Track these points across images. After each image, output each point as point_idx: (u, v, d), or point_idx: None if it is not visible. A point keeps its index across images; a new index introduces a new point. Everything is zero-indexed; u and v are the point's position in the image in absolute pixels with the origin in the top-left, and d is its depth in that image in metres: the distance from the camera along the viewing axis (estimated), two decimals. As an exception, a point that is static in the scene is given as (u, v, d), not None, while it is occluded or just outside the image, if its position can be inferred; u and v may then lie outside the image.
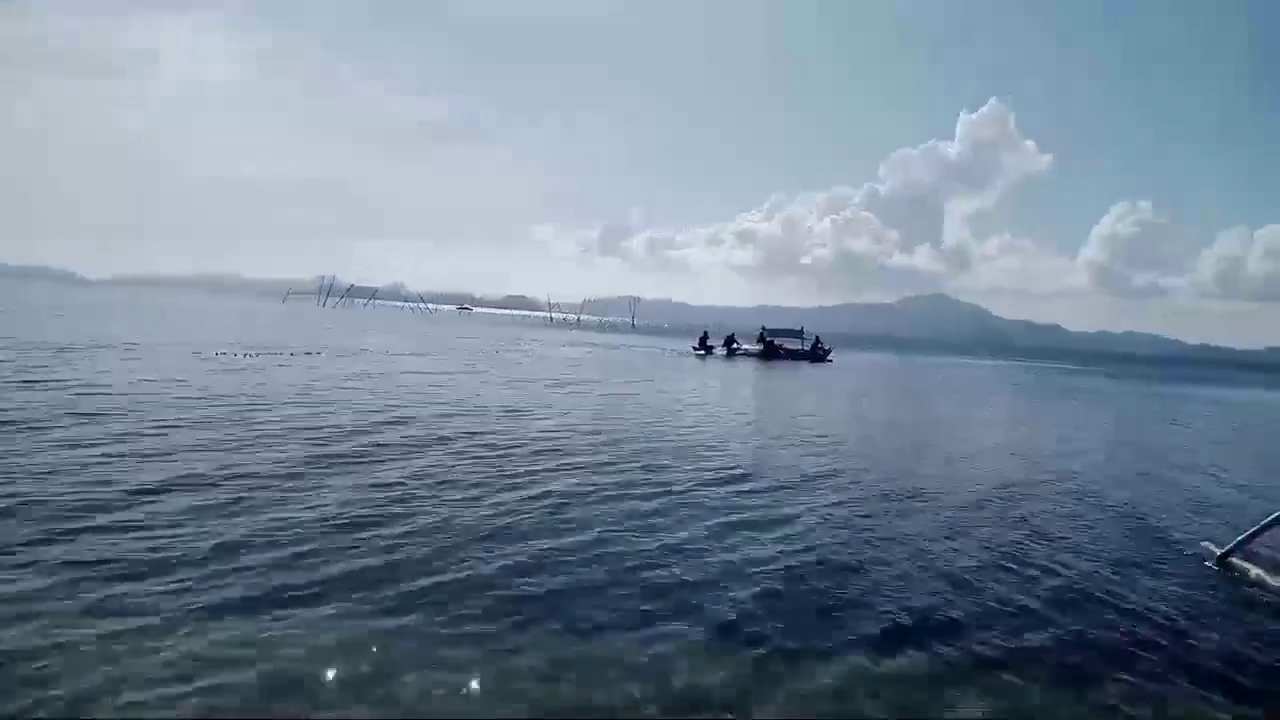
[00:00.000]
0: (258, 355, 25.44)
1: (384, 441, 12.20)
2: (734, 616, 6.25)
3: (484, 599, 6.15)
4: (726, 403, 23.32)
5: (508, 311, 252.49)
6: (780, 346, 56.99)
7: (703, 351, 54.86)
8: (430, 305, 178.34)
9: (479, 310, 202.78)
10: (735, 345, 56.26)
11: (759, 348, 56.38)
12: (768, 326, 59.80)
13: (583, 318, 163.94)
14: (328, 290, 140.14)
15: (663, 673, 5.22)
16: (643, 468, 11.79)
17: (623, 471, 11.36)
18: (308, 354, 27.53)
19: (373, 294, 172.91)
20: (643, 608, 6.28)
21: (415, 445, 12.10)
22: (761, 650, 5.67)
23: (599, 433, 14.84)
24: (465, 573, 6.69)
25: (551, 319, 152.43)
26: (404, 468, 10.41)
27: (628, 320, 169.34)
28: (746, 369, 43.27)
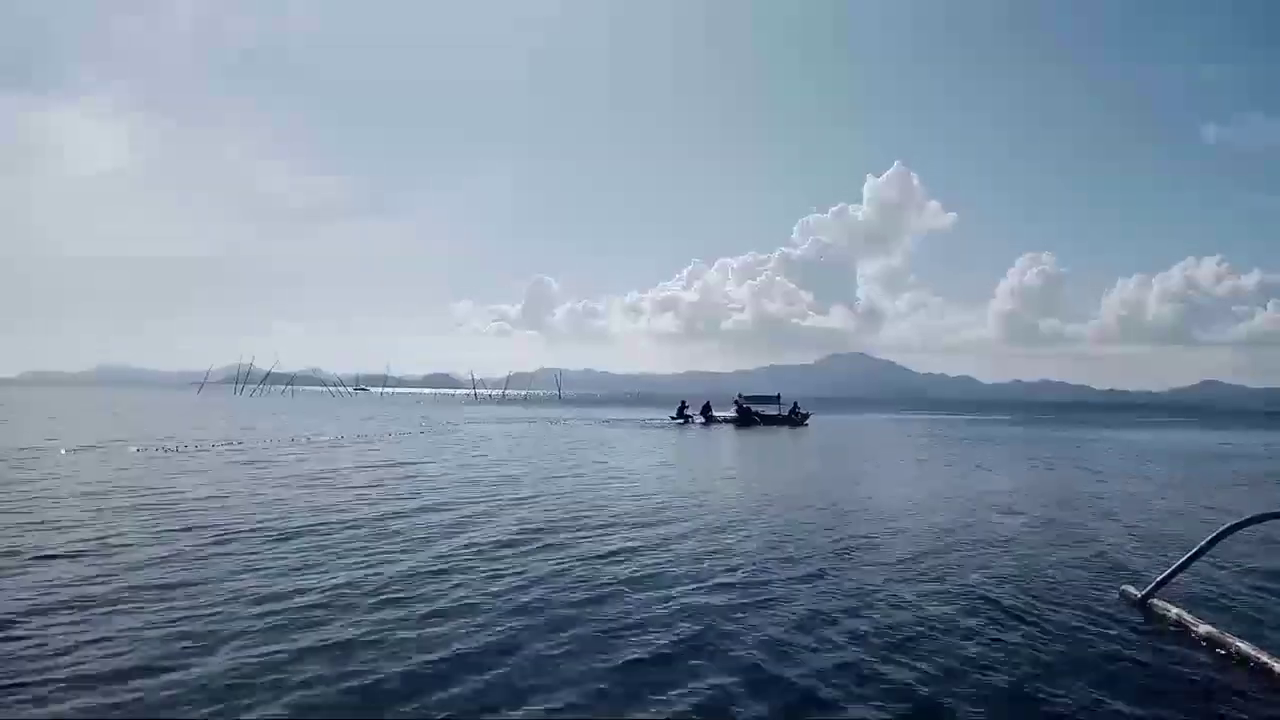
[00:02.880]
0: (205, 450, 24.90)
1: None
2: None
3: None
4: (740, 473, 24.03)
5: (430, 390, 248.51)
6: (756, 413, 57.70)
7: (681, 420, 55.79)
8: (352, 388, 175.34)
9: (400, 390, 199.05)
10: (712, 414, 57.08)
11: (735, 415, 57.09)
12: (743, 394, 61.15)
13: (507, 392, 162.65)
14: (244, 378, 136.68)
15: None
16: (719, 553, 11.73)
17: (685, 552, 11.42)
18: (237, 445, 26.98)
19: (290, 379, 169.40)
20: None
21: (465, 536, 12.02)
22: None
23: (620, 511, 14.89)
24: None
25: (475, 395, 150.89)
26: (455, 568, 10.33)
27: (554, 392, 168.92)
28: (731, 437, 43.97)
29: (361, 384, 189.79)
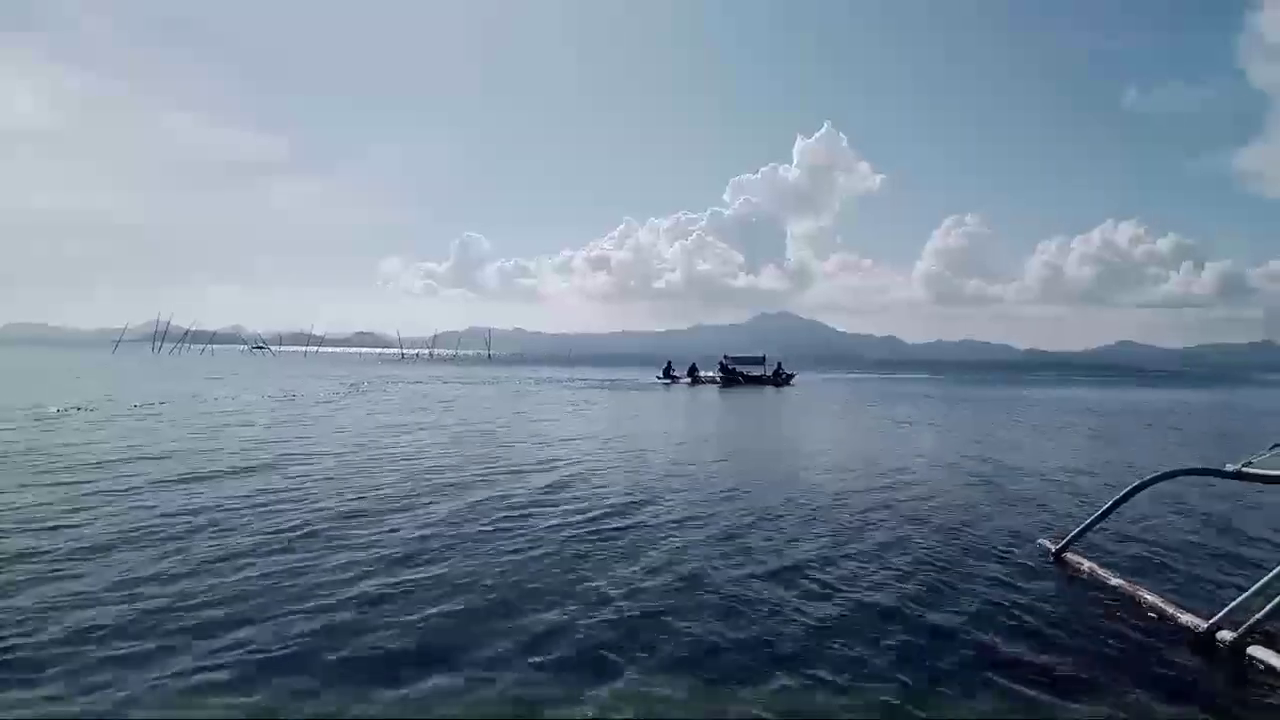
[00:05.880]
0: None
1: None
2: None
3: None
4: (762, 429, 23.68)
5: (357, 350, 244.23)
6: (741, 373, 58.98)
7: (668, 380, 57.17)
8: (273, 347, 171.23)
9: (325, 350, 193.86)
10: (698, 374, 58.48)
11: (720, 375, 58.54)
12: (728, 354, 61.97)
13: (435, 351, 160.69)
14: (162, 336, 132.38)
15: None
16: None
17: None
18: (163, 402, 26.03)
19: (210, 338, 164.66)
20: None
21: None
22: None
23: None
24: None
25: (403, 355, 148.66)
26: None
27: (483, 352, 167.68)
28: (724, 396, 45.34)
29: (261, 342, 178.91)
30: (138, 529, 9.58)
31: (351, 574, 8.05)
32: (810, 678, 5.90)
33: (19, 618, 6.54)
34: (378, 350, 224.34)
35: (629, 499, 12.55)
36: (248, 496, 11.80)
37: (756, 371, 60.64)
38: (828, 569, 8.69)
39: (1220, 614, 6.72)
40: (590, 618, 6.98)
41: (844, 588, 8.03)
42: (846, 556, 9.24)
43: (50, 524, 9.71)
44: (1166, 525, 11.23)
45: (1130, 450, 21.93)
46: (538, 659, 6.08)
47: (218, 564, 8.24)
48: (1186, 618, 7.05)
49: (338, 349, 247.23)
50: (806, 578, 8.34)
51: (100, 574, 7.78)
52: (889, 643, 6.58)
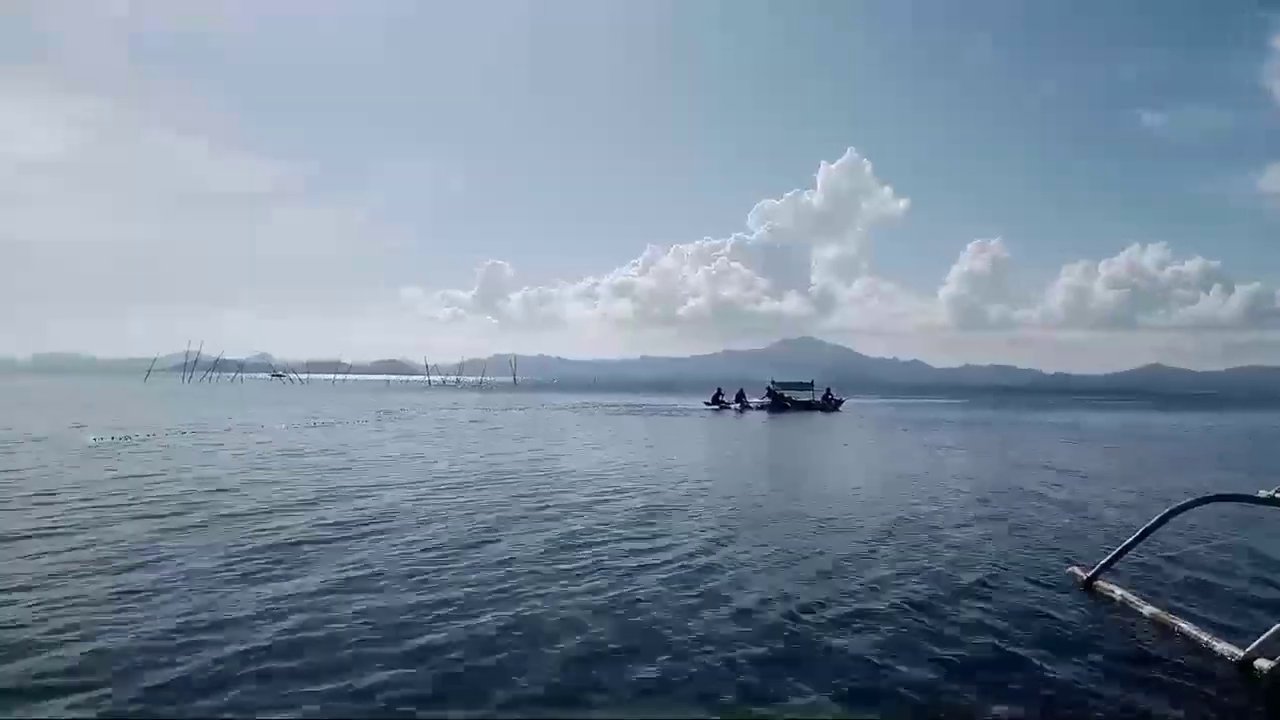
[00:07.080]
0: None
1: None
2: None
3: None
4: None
5: (383, 376, 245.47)
6: (788, 399, 59.69)
7: (716, 406, 58.00)
8: (300, 375, 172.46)
9: (352, 377, 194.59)
10: (746, 401, 58.99)
11: (768, 401, 59.08)
12: (775, 380, 63.00)
13: (461, 378, 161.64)
14: (192, 365, 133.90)
15: None
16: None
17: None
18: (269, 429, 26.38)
19: (239, 366, 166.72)
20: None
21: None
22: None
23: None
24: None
25: (430, 382, 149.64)
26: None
27: (508, 379, 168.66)
28: (776, 422, 45.70)
29: (280, 371, 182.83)
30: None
31: (454, 609, 8.04)
32: (838, 699, 5.98)
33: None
34: (404, 377, 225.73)
35: (725, 531, 12.50)
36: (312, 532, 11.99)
37: (805, 397, 61.21)
38: (860, 595, 8.71)
39: (1256, 642, 6.66)
40: (714, 654, 6.96)
41: (876, 616, 8.04)
42: (882, 583, 9.25)
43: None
44: (1198, 552, 11.09)
45: (1161, 476, 21.66)
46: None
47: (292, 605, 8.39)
48: (1221, 646, 7.00)
49: (364, 376, 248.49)
50: (836, 606, 8.34)
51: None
52: (919, 671, 6.60)
